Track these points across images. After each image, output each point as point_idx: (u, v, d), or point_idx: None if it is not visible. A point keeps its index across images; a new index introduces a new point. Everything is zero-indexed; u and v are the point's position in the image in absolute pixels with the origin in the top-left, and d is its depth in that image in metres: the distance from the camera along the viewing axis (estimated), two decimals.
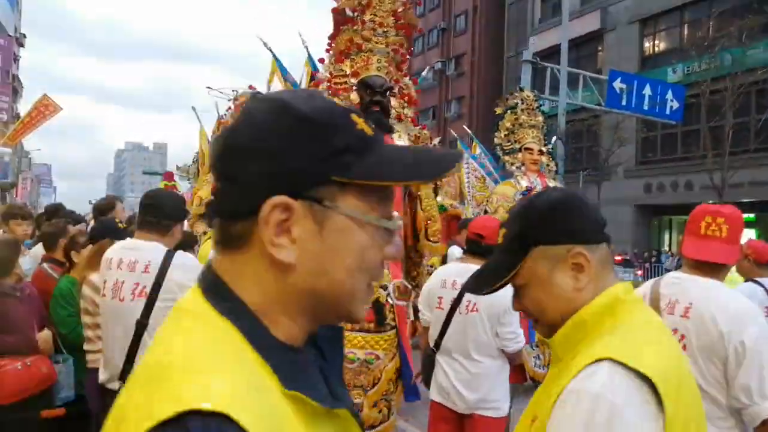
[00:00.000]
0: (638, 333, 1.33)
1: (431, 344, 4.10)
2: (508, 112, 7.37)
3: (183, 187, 24.79)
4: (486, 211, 7.07)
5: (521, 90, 7.67)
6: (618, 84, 17.42)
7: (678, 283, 2.62)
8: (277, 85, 6.74)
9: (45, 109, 18.49)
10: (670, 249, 27.52)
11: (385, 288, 4.84)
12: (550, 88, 19.53)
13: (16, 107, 47.98)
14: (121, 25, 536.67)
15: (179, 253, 3.33)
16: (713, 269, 2.59)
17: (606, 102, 17.89)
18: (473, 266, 3.40)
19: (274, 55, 5.22)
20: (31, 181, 57.31)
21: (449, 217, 9.75)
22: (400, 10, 5.01)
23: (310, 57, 5.22)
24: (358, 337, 4.71)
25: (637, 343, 1.28)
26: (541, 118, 7.35)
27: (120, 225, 4.18)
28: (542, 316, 1.44)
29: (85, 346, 3.84)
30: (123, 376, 3.26)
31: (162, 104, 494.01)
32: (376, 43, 4.92)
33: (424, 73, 7.05)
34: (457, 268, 4.06)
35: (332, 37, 5.16)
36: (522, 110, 7.29)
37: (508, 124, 7.31)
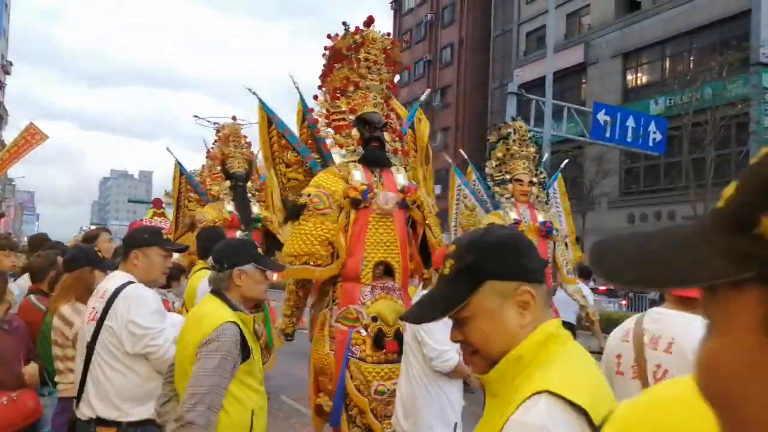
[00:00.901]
0: (571, 366, 1.40)
1: None
2: (500, 142, 7.29)
3: (171, 214, 24.79)
4: None
5: (514, 120, 7.59)
6: (602, 116, 17.70)
7: (660, 319, 2.63)
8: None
9: (31, 137, 18.45)
10: None
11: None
12: (534, 119, 19.78)
13: (0, 134, 47.77)
14: (106, 52, 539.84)
15: (133, 285, 3.38)
16: (695, 304, 2.60)
17: (591, 134, 18.15)
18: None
19: (261, 102, 5.28)
20: (14, 208, 56.85)
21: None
22: (389, 47, 5.12)
23: (301, 97, 5.28)
24: (385, 369, 4.68)
25: (571, 376, 1.36)
26: (533, 149, 7.28)
27: (99, 254, 4.19)
28: (484, 349, 1.46)
29: (56, 378, 3.89)
30: (78, 398, 3.35)
31: (147, 132, 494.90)
32: (371, 80, 5.03)
33: (424, 96, 7.08)
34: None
35: (325, 75, 5.25)
36: (514, 141, 7.21)
37: (499, 155, 7.23)
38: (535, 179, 7.15)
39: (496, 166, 7.24)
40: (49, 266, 4.63)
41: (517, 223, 6.75)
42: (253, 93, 5.58)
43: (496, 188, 7.17)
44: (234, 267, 2.94)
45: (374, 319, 4.65)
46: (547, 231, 6.89)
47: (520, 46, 35.12)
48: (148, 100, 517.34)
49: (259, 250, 3.16)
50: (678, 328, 2.55)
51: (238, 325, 2.80)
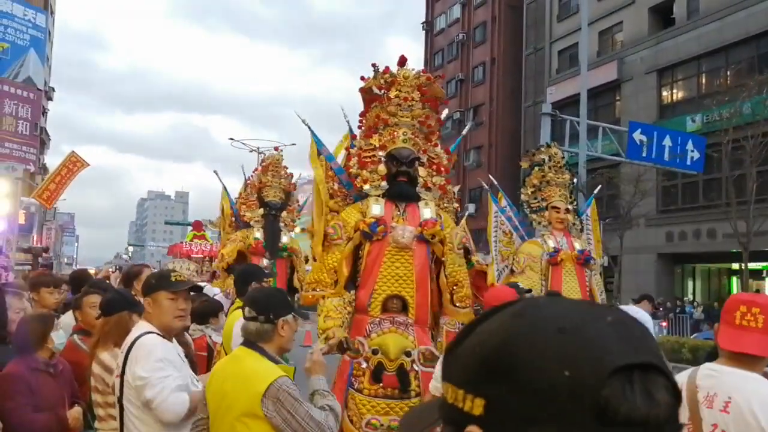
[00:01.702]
0: None
1: None
2: (535, 168, 7.19)
3: (213, 238, 25.09)
4: (513, 270, 6.94)
5: (548, 146, 7.50)
6: (638, 135, 17.48)
7: (715, 376, 2.53)
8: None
9: (73, 165, 18.88)
10: (694, 299, 27.13)
11: (409, 354, 4.84)
12: (569, 137, 19.65)
13: (42, 158, 48.94)
14: (141, 76, 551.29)
15: (145, 336, 3.33)
16: (750, 361, 2.51)
17: (627, 154, 17.96)
18: None
19: (313, 134, 5.37)
20: (55, 231, 58.03)
21: (475, 273, 9.66)
22: (425, 84, 5.18)
23: (351, 130, 5.42)
24: (382, 404, 4.71)
25: None
26: (567, 176, 7.19)
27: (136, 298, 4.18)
28: None
29: (96, 425, 3.82)
30: None
31: (182, 154, 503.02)
32: (402, 117, 5.10)
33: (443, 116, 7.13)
34: None
35: (363, 114, 5.37)
36: (549, 167, 7.11)
37: (535, 181, 7.14)
38: (570, 206, 7.07)
39: (532, 193, 7.14)
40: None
41: (556, 251, 6.68)
42: (306, 124, 5.67)
43: (533, 215, 7.09)
44: (279, 318, 2.94)
45: (374, 352, 4.70)
46: (585, 260, 6.79)
47: (553, 64, 34.96)
48: (181, 122, 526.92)
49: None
50: (735, 387, 2.45)
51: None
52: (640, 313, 8.23)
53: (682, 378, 2.66)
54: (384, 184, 5.04)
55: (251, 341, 2.94)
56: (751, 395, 2.40)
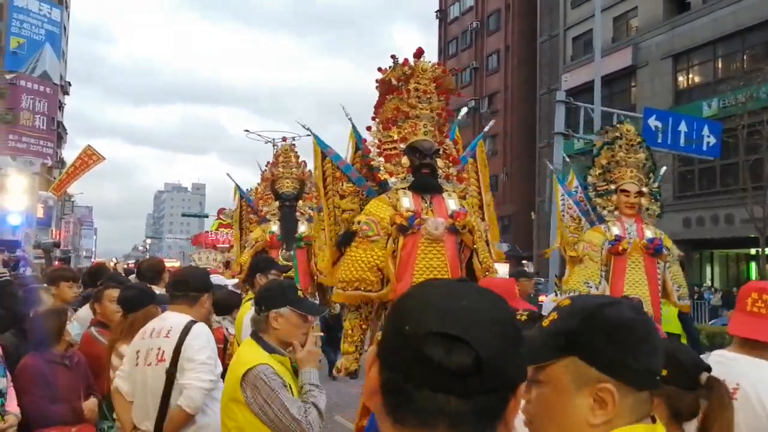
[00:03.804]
0: None
1: None
2: (605, 147, 6.48)
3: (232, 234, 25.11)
4: (570, 258, 6.40)
5: (621, 123, 6.69)
6: (653, 122, 17.31)
7: (724, 362, 2.49)
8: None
9: (89, 159, 19.08)
10: (712, 285, 26.97)
11: None
12: (584, 124, 19.54)
13: (60, 152, 49.38)
14: (153, 69, 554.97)
15: (198, 325, 3.55)
16: (762, 347, 2.50)
17: None
18: None
19: (316, 137, 5.39)
20: (73, 224, 58.59)
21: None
22: (439, 76, 5.20)
23: (354, 129, 5.40)
24: None
25: None
26: (642, 155, 6.37)
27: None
28: (536, 424, 1.33)
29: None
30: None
31: (196, 146, 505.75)
32: (422, 109, 5.13)
33: (460, 116, 6.98)
34: None
35: (378, 106, 5.39)
36: (620, 146, 6.34)
37: (603, 162, 6.43)
38: (644, 189, 6.29)
39: (600, 174, 6.45)
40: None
41: (618, 239, 6.04)
42: (307, 129, 5.69)
43: (598, 200, 6.41)
44: (270, 309, 3.01)
45: None
46: (655, 249, 6.04)
47: (567, 51, 34.71)
48: (192, 114, 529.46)
49: (300, 293, 3.17)
50: (744, 373, 2.43)
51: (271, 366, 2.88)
52: None
53: None
54: (410, 176, 5.07)
55: (254, 330, 3.08)
56: (758, 383, 2.39)
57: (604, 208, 6.34)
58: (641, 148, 6.41)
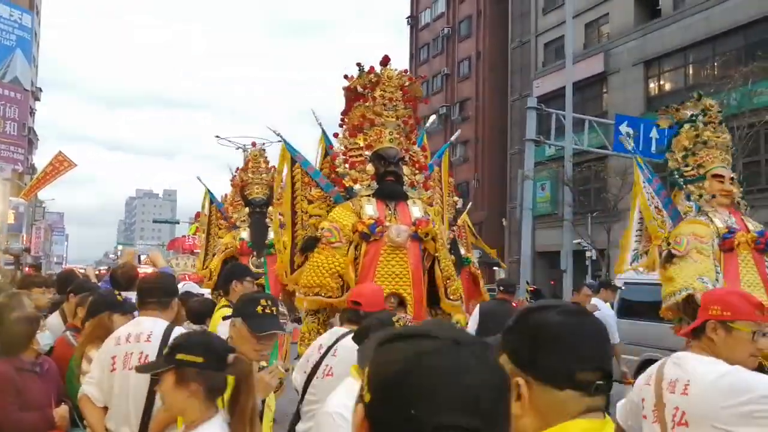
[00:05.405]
0: None
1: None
2: (686, 126, 5.53)
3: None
4: (671, 254, 5.08)
5: (700, 98, 5.71)
6: (624, 128, 17.58)
7: (680, 363, 2.61)
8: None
9: (60, 164, 18.86)
10: None
11: None
12: (555, 131, 19.73)
13: (31, 158, 48.66)
14: (123, 75, 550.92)
15: (177, 328, 3.58)
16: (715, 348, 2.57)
17: (614, 147, 18.03)
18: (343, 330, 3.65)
19: (286, 143, 5.40)
20: (44, 230, 57.69)
21: (469, 277, 9.58)
22: (406, 84, 5.23)
23: (324, 133, 5.43)
24: None
25: None
26: (728, 136, 5.56)
27: (119, 298, 4.27)
28: None
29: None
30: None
31: (168, 151, 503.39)
32: (387, 117, 5.17)
33: (428, 124, 7.01)
34: (329, 334, 3.95)
35: (345, 113, 5.42)
36: (704, 124, 5.47)
37: (685, 143, 5.48)
38: (734, 175, 5.50)
39: (683, 158, 5.51)
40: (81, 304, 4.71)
41: (731, 233, 5.14)
42: (278, 134, 5.71)
43: (689, 187, 5.44)
44: (234, 317, 3.11)
45: None
46: (766, 244, 5.17)
47: (539, 58, 34.98)
48: (164, 120, 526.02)
49: (262, 309, 3.08)
50: (694, 370, 2.53)
51: None
52: (602, 308, 7.87)
53: (654, 367, 2.74)
54: (374, 184, 5.08)
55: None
56: (704, 375, 2.47)
57: (700, 196, 5.36)
58: (726, 128, 5.62)
